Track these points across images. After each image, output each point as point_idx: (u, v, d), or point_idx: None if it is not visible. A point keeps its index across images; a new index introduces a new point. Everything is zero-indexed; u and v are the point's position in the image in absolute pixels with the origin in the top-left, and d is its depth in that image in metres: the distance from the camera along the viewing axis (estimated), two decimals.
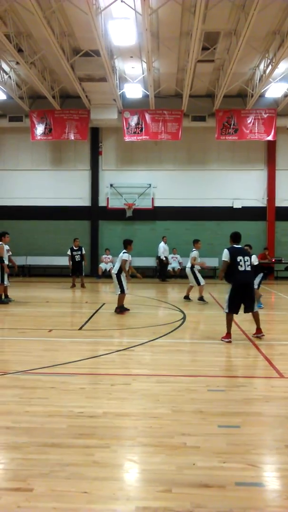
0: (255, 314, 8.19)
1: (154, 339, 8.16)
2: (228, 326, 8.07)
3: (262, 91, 17.62)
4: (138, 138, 19.90)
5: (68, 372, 6.07)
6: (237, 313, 8.12)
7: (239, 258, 7.94)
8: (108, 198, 21.47)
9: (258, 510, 3.03)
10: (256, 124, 19.53)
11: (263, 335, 8.20)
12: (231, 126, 19.53)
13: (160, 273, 19.95)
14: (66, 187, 21.72)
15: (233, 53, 14.22)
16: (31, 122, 20.01)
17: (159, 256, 19.68)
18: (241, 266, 7.89)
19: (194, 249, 13.58)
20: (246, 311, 8.09)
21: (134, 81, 17.96)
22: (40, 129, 20.02)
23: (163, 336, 8.49)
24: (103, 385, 5.60)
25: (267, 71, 15.85)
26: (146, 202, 21.32)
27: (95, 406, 4.83)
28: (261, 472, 3.57)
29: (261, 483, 3.39)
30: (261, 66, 16.69)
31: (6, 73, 17.62)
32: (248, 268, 7.92)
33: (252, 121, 19.52)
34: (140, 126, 19.77)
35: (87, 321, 9.99)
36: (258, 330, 8.26)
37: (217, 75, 17.97)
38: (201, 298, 13.00)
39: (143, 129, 19.77)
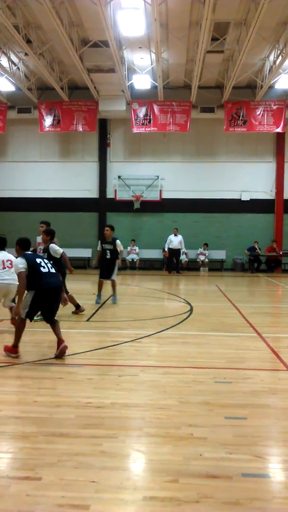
0: None
1: (161, 331, 8.18)
2: None
3: (272, 82, 17.48)
4: (146, 129, 19.83)
5: (76, 363, 6.11)
6: None
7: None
8: (116, 190, 21.46)
9: (264, 501, 3.05)
10: (265, 115, 19.39)
11: None
12: (240, 118, 19.41)
13: (167, 265, 19.96)
14: (74, 179, 21.73)
15: (243, 44, 14.10)
16: (40, 113, 19.99)
17: (164, 248, 19.63)
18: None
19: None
20: None
21: (142, 72, 17.87)
22: (48, 120, 20.01)
23: (170, 328, 8.51)
24: (111, 376, 5.63)
25: (277, 62, 15.70)
26: (154, 194, 21.28)
27: (103, 397, 4.86)
28: (267, 464, 3.59)
29: (268, 474, 3.40)
30: (271, 57, 16.53)
31: (15, 65, 17.60)
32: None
33: (261, 112, 19.38)
34: (148, 117, 19.70)
35: (94, 313, 10.03)
36: None
37: (226, 66, 17.84)
38: None
39: (152, 121, 19.70)
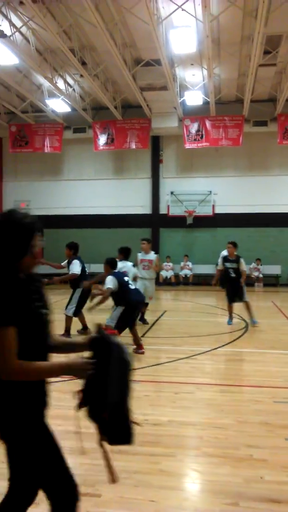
0: None
1: (216, 348, 8.08)
2: None
3: None
4: (198, 145, 19.85)
5: (133, 379, 6.12)
6: None
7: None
8: (168, 206, 21.54)
9: None
10: None
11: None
12: None
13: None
14: (128, 196, 22.01)
15: None
16: (94, 133, 20.48)
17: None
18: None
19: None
20: None
21: (194, 88, 17.96)
22: (102, 139, 20.46)
23: (226, 344, 8.39)
24: (167, 393, 5.61)
25: None
26: (207, 209, 21.19)
27: (159, 414, 4.84)
28: None
29: None
30: None
31: (71, 86, 18.19)
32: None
33: None
34: (200, 133, 19.72)
35: (149, 329, 10.04)
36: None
37: (279, 79, 17.62)
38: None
39: (204, 136, 19.70)
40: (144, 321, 10.46)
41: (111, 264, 7.66)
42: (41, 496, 3.20)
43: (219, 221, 21.09)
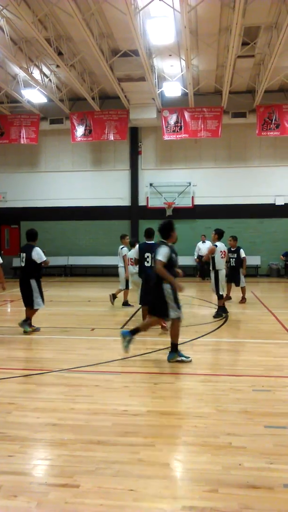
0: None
1: (196, 338, 8.10)
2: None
3: None
4: (177, 136, 19.82)
5: (111, 371, 6.10)
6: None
7: (147, 254, 8.61)
8: (148, 198, 21.51)
9: None
10: None
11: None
12: (273, 122, 19.17)
13: (201, 271, 19.84)
14: (106, 187, 21.90)
15: (274, 47, 13.94)
16: (71, 124, 20.29)
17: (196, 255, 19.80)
18: (147, 262, 8.59)
19: (123, 246, 12.05)
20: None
21: (173, 79, 17.90)
22: (80, 130, 20.28)
23: (206, 335, 8.41)
24: (146, 383, 5.60)
25: None
26: (186, 200, 21.22)
27: (139, 405, 4.83)
28: None
29: None
30: None
31: (47, 76, 17.93)
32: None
33: None
34: (179, 124, 19.69)
35: (128, 320, 10.02)
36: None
37: (257, 70, 17.69)
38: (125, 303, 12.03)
39: (182, 128, 19.68)
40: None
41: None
42: (20, 489, 3.16)
43: (199, 213, 21.16)
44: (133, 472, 3.41)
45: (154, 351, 7.17)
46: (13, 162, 22.57)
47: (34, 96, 18.71)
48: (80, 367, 6.26)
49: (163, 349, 7.30)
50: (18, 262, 9.35)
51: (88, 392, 5.24)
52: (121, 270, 11.90)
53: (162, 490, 3.19)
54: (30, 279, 8.69)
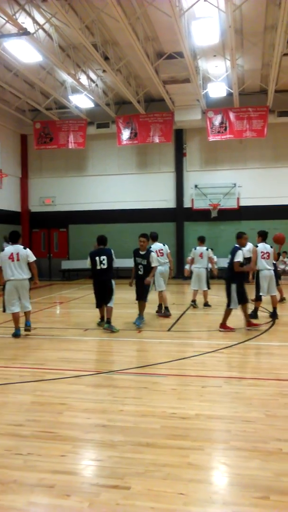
0: None
1: (243, 341, 8.02)
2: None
3: None
4: (222, 137, 19.65)
5: (158, 373, 6.14)
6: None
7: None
8: (192, 199, 21.42)
9: None
10: None
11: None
12: None
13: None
14: (152, 190, 21.97)
15: None
16: (117, 127, 20.51)
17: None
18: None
19: (207, 248, 12.81)
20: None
21: (217, 79, 17.78)
22: (126, 134, 20.47)
23: (253, 338, 8.32)
24: (194, 386, 5.60)
25: None
26: (231, 202, 20.99)
27: (187, 408, 4.84)
28: None
29: None
30: None
31: (94, 82, 18.22)
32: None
33: None
34: (224, 125, 19.53)
35: (175, 323, 10.04)
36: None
37: None
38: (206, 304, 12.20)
39: (227, 128, 19.50)
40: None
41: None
42: (72, 488, 3.25)
43: (244, 214, 20.88)
44: (183, 476, 3.43)
45: (201, 354, 7.15)
46: (61, 167, 23.05)
47: (82, 101, 19.06)
48: (127, 369, 6.34)
49: (210, 352, 7.28)
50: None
51: (136, 394, 5.30)
52: (202, 271, 12.06)
53: (212, 495, 3.20)
54: (111, 279, 9.36)
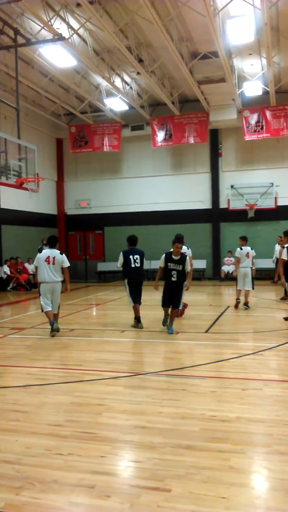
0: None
1: (283, 344, 7.85)
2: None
3: None
4: (259, 136, 19.39)
5: (197, 375, 6.07)
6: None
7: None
8: (229, 200, 21.21)
9: None
10: None
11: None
12: None
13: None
14: (187, 191, 21.88)
15: None
16: (152, 129, 20.53)
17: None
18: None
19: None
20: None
21: (253, 78, 17.55)
22: (160, 135, 20.47)
23: None
24: (234, 389, 5.51)
25: None
26: (269, 201, 20.67)
27: (227, 410, 4.76)
28: None
29: None
30: None
31: (128, 84, 18.31)
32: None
33: None
34: (260, 124, 19.26)
35: (212, 324, 9.93)
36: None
37: None
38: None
39: (264, 127, 19.23)
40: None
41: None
42: (113, 489, 3.24)
43: (282, 214, 20.51)
44: (224, 479, 3.36)
45: (240, 356, 7.03)
46: (96, 170, 23.26)
47: (116, 104, 19.19)
48: (165, 370, 6.30)
49: (249, 354, 7.16)
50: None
51: (175, 396, 5.25)
52: (249, 271, 11.95)
53: (254, 499, 3.12)
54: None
